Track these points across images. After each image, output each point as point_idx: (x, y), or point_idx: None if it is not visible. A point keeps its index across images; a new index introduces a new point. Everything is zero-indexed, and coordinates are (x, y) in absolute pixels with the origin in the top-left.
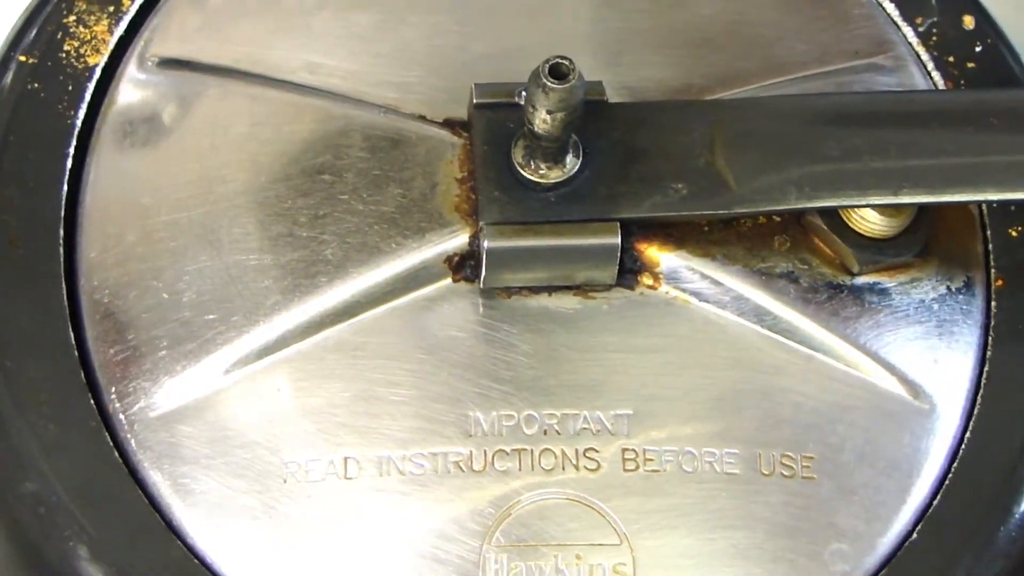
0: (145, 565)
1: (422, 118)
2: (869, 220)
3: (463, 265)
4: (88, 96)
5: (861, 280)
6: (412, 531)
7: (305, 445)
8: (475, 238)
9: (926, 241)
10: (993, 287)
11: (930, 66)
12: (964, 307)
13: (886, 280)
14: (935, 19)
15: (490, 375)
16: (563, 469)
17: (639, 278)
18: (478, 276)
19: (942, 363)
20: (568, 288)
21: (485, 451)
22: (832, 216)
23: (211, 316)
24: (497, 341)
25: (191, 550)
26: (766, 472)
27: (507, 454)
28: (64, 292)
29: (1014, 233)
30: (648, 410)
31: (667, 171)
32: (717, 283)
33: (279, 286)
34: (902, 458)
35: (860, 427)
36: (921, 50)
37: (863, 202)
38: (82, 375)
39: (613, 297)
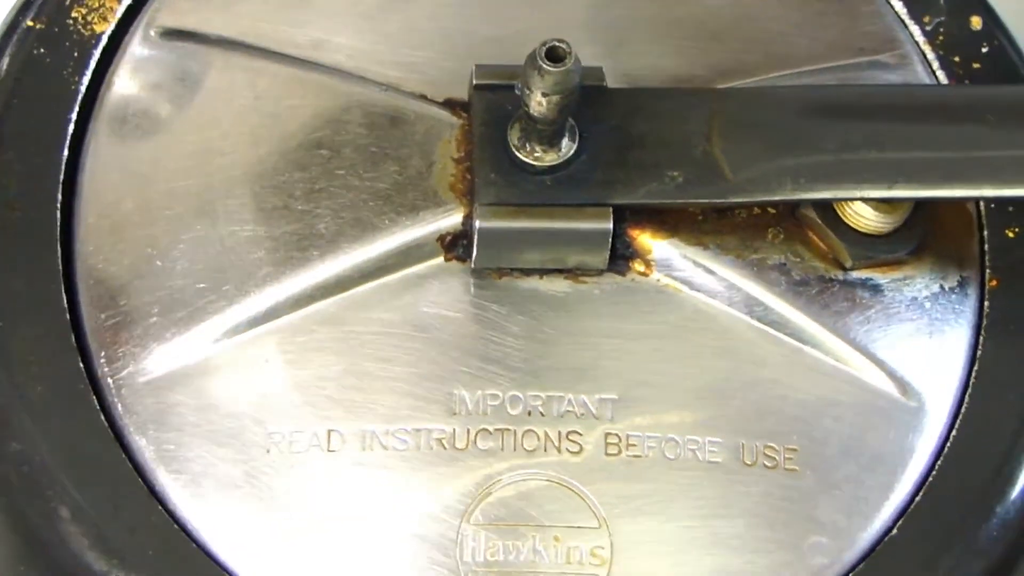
0: (126, 528)
1: (423, 97)
2: (864, 216)
3: (456, 244)
4: (93, 63)
5: (854, 275)
6: (392, 506)
7: (290, 416)
8: (468, 218)
9: (921, 239)
10: (987, 287)
11: (935, 65)
12: (957, 306)
13: (879, 276)
14: (943, 19)
15: (477, 354)
16: (545, 451)
17: (631, 264)
18: (470, 256)
19: (932, 361)
20: (559, 272)
21: (468, 430)
22: (826, 210)
23: (202, 285)
24: (486, 321)
25: (172, 516)
26: (748, 462)
27: (490, 433)
28: (59, 256)
29: (1011, 233)
30: (634, 396)
31: (663, 158)
32: (709, 272)
33: (271, 258)
34: (887, 454)
35: (846, 422)
36: (927, 49)
37: (857, 195)
38: (72, 338)
39: (604, 282)
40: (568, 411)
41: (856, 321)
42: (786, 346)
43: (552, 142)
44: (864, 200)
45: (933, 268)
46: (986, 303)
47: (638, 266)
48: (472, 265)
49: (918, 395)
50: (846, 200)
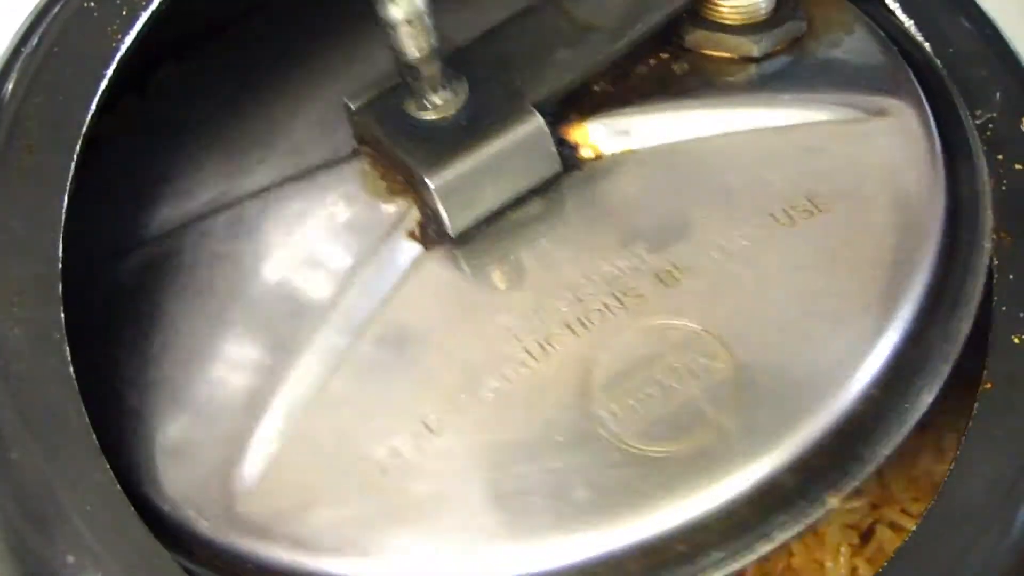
0: (70, 483)
1: (327, 163)
2: (740, 7)
3: (427, 230)
4: (139, 24)
5: (771, 59)
6: (523, 436)
7: (382, 434)
8: (422, 198)
9: (803, 10)
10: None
11: None
12: (872, 41)
13: (792, 51)
14: (993, 115)
15: (504, 291)
16: (615, 315)
17: (580, 156)
18: (445, 229)
19: (885, 80)
20: (527, 198)
21: (540, 343)
22: (710, 26)
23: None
24: (491, 268)
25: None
26: (789, 222)
27: (560, 333)
28: (64, 206)
29: (1016, 340)
30: (658, 238)
31: (546, 52)
32: (648, 123)
33: (281, 343)
34: (900, 168)
35: (847, 155)
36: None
37: None
38: (60, 288)
39: (568, 183)
40: (611, 278)
41: (799, 86)
42: (755, 135)
43: (444, 85)
44: None
45: (830, 23)
46: (976, 404)
47: (587, 154)
48: (451, 233)
49: (893, 107)
50: None
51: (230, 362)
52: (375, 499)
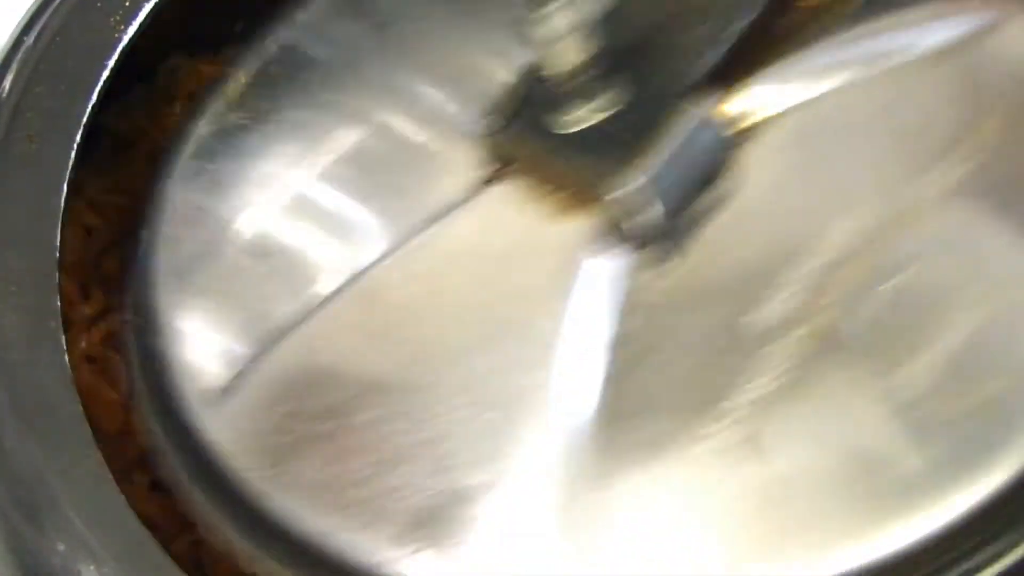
0: (62, 471)
1: (469, 195)
2: None
3: (619, 242)
4: (141, 15)
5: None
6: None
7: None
8: (607, 211)
9: None
10: None
11: None
12: None
13: None
14: None
15: (727, 291)
16: (858, 293)
17: (737, 131)
18: (639, 237)
19: None
20: (702, 187)
21: (793, 336)
22: None
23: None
24: (703, 266)
25: None
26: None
27: (805, 318)
28: (63, 197)
29: None
30: (858, 196)
31: (680, 31)
32: (789, 84)
33: (505, 382)
34: None
35: (990, 74)
36: None
37: None
38: (56, 277)
39: (737, 161)
40: (833, 246)
41: (904, 5)
42: (897, 74)
43: (603, 84)
44: None
45: None
46: None
47: (741, 126)
48: (645, 240)
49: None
50: None
51: (445, 418)
52: None
